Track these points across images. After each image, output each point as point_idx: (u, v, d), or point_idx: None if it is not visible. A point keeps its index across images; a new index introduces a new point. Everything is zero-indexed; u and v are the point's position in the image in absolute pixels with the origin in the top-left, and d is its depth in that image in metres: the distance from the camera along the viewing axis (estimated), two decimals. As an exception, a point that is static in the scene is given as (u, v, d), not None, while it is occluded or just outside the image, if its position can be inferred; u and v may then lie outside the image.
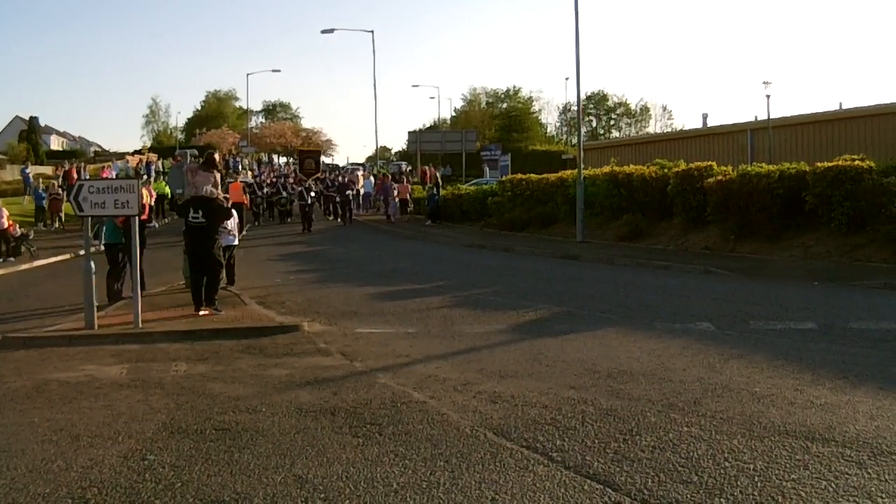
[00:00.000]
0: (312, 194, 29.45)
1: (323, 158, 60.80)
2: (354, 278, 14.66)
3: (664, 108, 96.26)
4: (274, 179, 36.23)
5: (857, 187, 14.77)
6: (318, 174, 35.66)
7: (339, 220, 31.27)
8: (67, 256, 21.17)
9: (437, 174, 36.48)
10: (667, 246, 18.26)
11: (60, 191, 29.34)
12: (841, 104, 38.89)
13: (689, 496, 4.09)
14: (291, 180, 35.05)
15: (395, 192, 31.69)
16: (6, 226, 21.42)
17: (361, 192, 35.50)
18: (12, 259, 20.80)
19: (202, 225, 10.57)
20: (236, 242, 13.40)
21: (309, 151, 42.23)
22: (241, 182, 26.90)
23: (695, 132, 37.01)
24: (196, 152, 16.12)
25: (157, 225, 28.01)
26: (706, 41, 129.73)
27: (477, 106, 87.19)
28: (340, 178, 33.81)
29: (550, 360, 7.41)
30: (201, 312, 10.47)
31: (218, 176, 11.43)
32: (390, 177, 34.96)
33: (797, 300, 10.69)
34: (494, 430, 5.29)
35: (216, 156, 13.74)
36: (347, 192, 31.37)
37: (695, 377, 6.58)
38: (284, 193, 32.25)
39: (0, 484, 4.51)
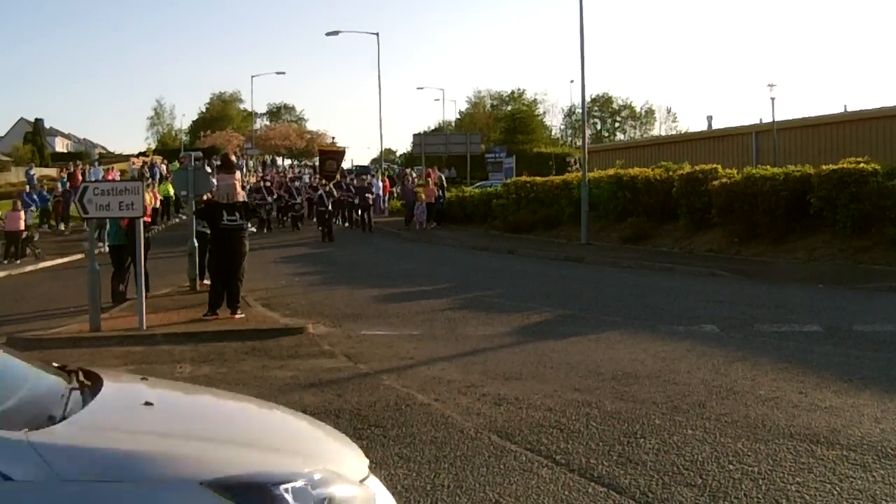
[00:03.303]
0: (332, 199, 27.08)
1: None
2: (358, 280, 14.67)
3: (669, 111, 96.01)
4: (272, 182, 34.01)
5: (862, 190, 14.73)
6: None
7: (353, 226, 29.20)
8: (72, 258, 21.22)
9: (442, 176, 36.32)
10: (671, 248, 18.23)
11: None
12: (846, 106, 38.82)
13: (693, 499, 4.08)
14: (312, 181, 32.98)
15: (420, 196, 29.05)
16: (21, 228, 21.52)
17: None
18: (18, 261, 20.86)
19: (239, 226, 10.63)
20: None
21: (331, 151, 38.31)
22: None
23: (699, 135, 36.96)
24: (201, 154, 16.09)
25: (154, 231, 27.26)
26: (711, 43, 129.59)
27: (481, 108, 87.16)
28: (357, 182, 30.80)
29: (555, 363, 7.41)
30: (220, 316, 10.40)
31: (240, 175, 11.47)
32: (411, 179, 32.80)
33: (802, 303, 10.67)
34: (499, 433, 5.29)
35: (232, 157, 13.73)
36: (367, 196, 28.74)
37: (699, 380, 6.58)
38: (298, 199, 30.18)
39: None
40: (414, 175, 36.01)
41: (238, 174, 11.26)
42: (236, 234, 10.60)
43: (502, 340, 8.67)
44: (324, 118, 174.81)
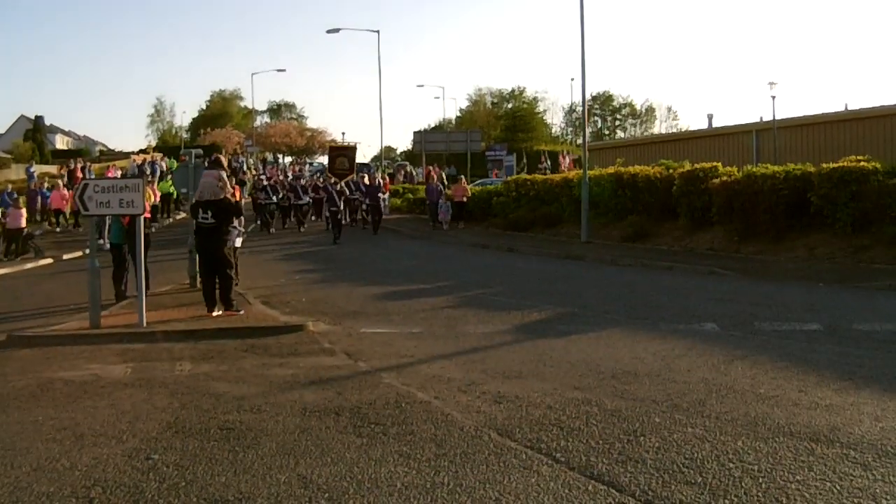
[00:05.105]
0: (343, 198, 25.91)
1: (322, 159, 57.54)
2: (359, 278, 14.67)
3: (669, 109, 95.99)
4: (275, 181, 33.20)
5: (863, 188, 14.74)
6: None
7: (358, 225, 28.32)
8: (73, 255, 21.20)
9: (443, 174, 36.23)
10: (671, 247, 18.22)
11: (66, 191, 29.27)
12: (846, 105, 38.84)
13: (693, 497, 4.08)
14: (316, 180, 32.29)
15: (444, 195, 27.69)
16: (23, 225, 21.55)
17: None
18: (18, 258, 20.86)
19: (211, 225, 10.53)
20: (239, 243, 13.35)
21: (341, 148, 36.52)
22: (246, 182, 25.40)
23: (700, 133, 36.96)
24: (201, 152, 16.07)
25: (154, 228, 26.97)
26: (711, 41, 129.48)
27: (482, 106, 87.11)
28: (367, 181, 29.25)
29: (555, 361, 7.40)
30: (215, 314, 10.41)
31: (224, 174, 11.24)
32: (436, 176, 31.90)
33: (802, 301, 10.66)
34: (499, 431, 5.28)
35: (221, 157, 13.71)
36: (379, 195, 27.62)
37: (699, 378, 6.57)
38: (305, 198, 29.14)
39: (4, 483, 4.52)
40: (415, 172, 35.70)
41: (223, 173, 10.97)
42: (210, 232, 10.51)
43: (502, 338, 8.67)
44: (324, 116, 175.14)
